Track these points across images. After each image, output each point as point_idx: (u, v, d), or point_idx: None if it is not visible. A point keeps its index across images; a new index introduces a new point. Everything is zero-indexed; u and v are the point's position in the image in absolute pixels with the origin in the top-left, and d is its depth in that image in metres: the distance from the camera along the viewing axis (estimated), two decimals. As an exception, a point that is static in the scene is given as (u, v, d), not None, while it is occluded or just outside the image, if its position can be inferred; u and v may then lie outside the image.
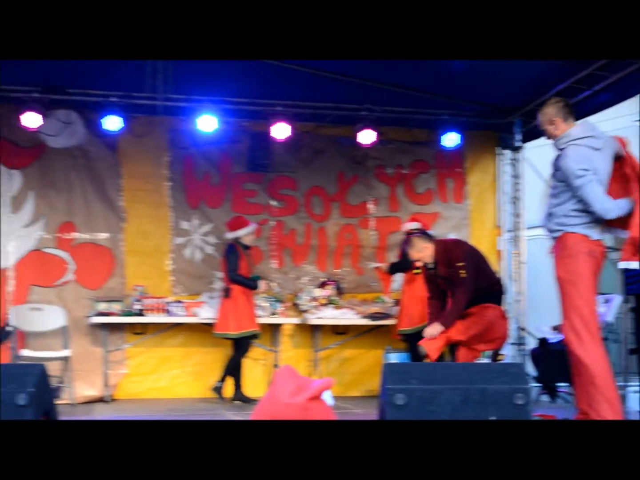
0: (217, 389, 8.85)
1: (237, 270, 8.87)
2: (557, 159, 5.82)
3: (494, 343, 7.44)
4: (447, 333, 7.34)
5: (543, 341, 8.60)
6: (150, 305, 9.19)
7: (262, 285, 9.09)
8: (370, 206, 10.22)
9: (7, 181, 9.18)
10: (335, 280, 9.90)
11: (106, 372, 9.15)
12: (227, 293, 8.88)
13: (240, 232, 8.99)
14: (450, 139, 9.69)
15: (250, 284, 8.96)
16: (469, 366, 4.89)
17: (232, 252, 8.91)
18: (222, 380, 8.88)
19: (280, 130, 9.12)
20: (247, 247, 9.06)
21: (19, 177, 9.22)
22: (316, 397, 3.89)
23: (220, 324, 8.90)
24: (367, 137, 9.35)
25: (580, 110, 8.17)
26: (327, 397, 3.96)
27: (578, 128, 5.86)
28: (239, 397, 8.92)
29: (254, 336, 9.00)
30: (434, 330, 7.37)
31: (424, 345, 7.45)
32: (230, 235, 9.06)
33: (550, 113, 5.92)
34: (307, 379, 4.02)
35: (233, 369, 8.95)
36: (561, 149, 5.82)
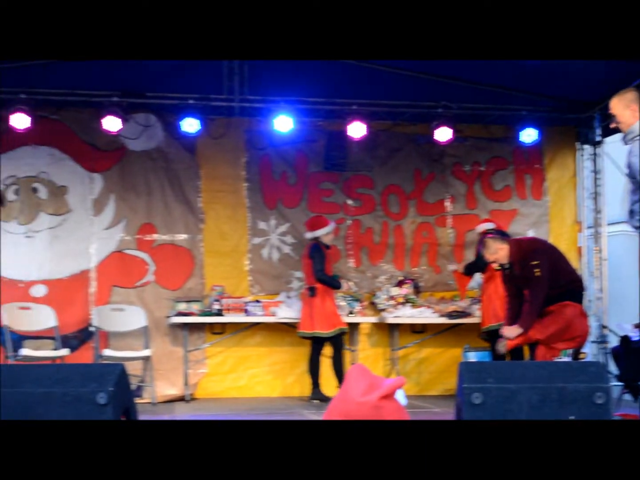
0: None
1: (324, 270, 8.92)
2: (627, 157, 5.66)
3: (574, 341, 7.33)
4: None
5: (625, 339, 8.43)
6: (229, 305, 9.27)
7: (344, 284, 9.13)
8: (448, 204, 10.15)
9: (89, 184, 9.37)
10: (412, 279, 9.85)
11: (186, 372, 9.27)
12: (313, 292, 8.92)
13: (320, 232, 9.02)
14: (528, 135, 9.55)
15: (335, 284, 9.01)
16: (547, 365, 4.83)
17: (318, 251, 8.94)
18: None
19: (356, 129, 9.10)
20: (327, 247, 9.10)
21: (100, 180, 9.41)
22: (388, 396, 3.87)
23: (307, 323, 8.93)
24: (443, 134, 9.28)
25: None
26: (400, 396, 3.94)
27: None
28: (317, 396, 8.93)
29: (342, 333, 9.05)
30: (512, 332, 7.35)
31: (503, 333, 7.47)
32: (309, 235, 9.10)
33: (629, 98, 5.68)
34: (379, 378, 4.01)
35: (341, 368, 8.97)
36: (628, 145, 5.66)
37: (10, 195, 9.06)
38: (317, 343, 9.02)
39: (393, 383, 3.90)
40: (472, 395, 4.24)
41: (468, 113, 9.50)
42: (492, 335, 8.60)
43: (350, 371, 4.12)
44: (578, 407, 4.21)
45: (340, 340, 9.02)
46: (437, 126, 9.26)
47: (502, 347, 7.53)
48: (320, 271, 8.88)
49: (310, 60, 7.34)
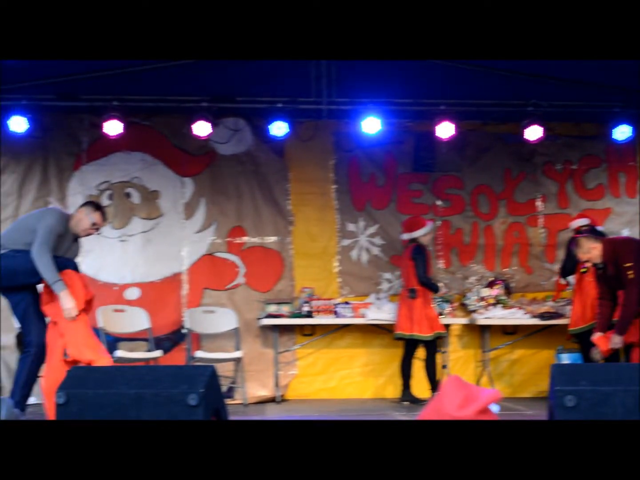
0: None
1: (428, 273, 8.88)
2: None
3: (670, 343, 7.15)
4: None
5: None
6: (319, 307, 9.31)
7: (442, 288, 9.09)
8: (539, 203, 10.00)
9: (180, 189, 9.52)
10: (503, 280, 9.73)
11: (277, 373, 9.32)
12: (413, 294, 8.86)
13: (418, 233, 8.97)
14: (622, 132, 9.32)
15: (436, 287, 8.97)
16: (642, 367, 4.71)
17: (420, 253, 8.88)
18: (437, 389, 8.84)
19: (445, 130, 9.03)
20: (426, 248, 9.07)
21: (191, 184, 9.55)
22: (484, 410, 3.83)
23: (405, 325, 8.86)
24: (533, 133, 9.13)
25: None
26: (496, 409, 3.89)
27: None
28: (408, 397, 8.90)
29: (439, 337, 9.02)
30: (615, 342, 7.21)
31: (596, 342, 7.32)
32: (407, 236, 9.05)
33: None
34: (474, 389, 3.96)
35: (434, 372, 8.93)
36: None
37: (104, 201, 9.26)
38: (412, 345, 8.97)
39: (489, 397, 3.85)
40: (565, 398, 4.17)
41: (559, 111, 9.31)
42: (581, 338, 8.46)
43: (445, 383, 4.08)
44: (675, 410, 4.10)
45: (435, 344, 8.96)
46: (527, 125, 9.11)
47: (597, 354, 7.39)
48: (424, 274, 8.83)
49: (397, 61, 7.31)
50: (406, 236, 9.07)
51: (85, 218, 6.92)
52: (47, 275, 6.51)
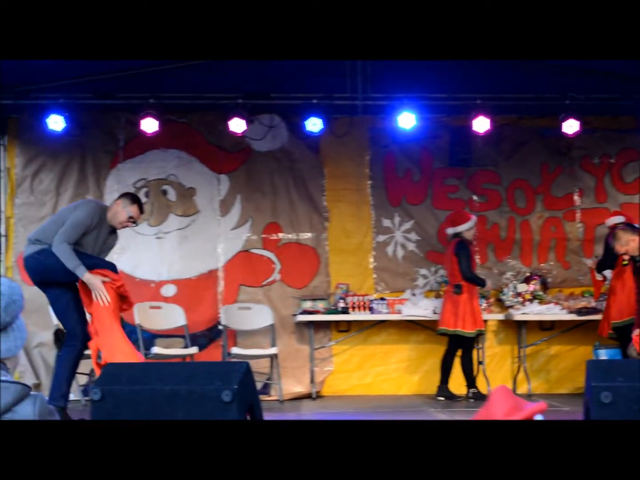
0: (476, 395, 8.80)
1: (472, 268, 8.85)
2: None
3: None
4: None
5: None
6: (354, 303, 9.31)
7: (488, 283, 9.04)
8: (576, 198, 9.91)
9: (216, 186, 9.56)
10: (540, 275, 9.66)
11: (313, 369, 9.34)
12: (459, 290, 8.82)
13: (462, 227, 8.94)
14: (661, 125, 9.25)
15: (481, 282, 8.93)
16: (680, 363, 4.66)
17: (464, 248, 8.85)
18: (473, 385, 8.85)
19: (481, 124, 8.98)
20: (470, 243, 9.03)
21: (227, 181, 9.59)
22: (529, 419, 3.82)
23: (450, 321, 8.82)
24: (571, 127, 9.06)
25: None
26: (540, 419, 3.88)
27: None
28: (444, 393, 8.87)
29: (480, 334, 9.02)
30: None
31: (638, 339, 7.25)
32: (451, 230, 9.00)
33: None
34: (521, 401, 3.94)
35: (471, 368, 8.93)
36: None
37: (141, 198, 9.30)
38: (455, 341, 8.93)
39: (535, 407, 3.84)
40: (601, 394, 4.12)
41: (596, 104, 9.23)
42: (621, 332, 8.38)
43: (493, 392, 4.09)
44: None
45: (473, 341, 8.94)
46: (565, 118, 9.04)
47: (634, 350, 7.32)
48: (468, 269, 8.79)
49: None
50: (450, 230, 9.03)
51: (122, 211, 6.88)
52: (67, 263, 6.44)
